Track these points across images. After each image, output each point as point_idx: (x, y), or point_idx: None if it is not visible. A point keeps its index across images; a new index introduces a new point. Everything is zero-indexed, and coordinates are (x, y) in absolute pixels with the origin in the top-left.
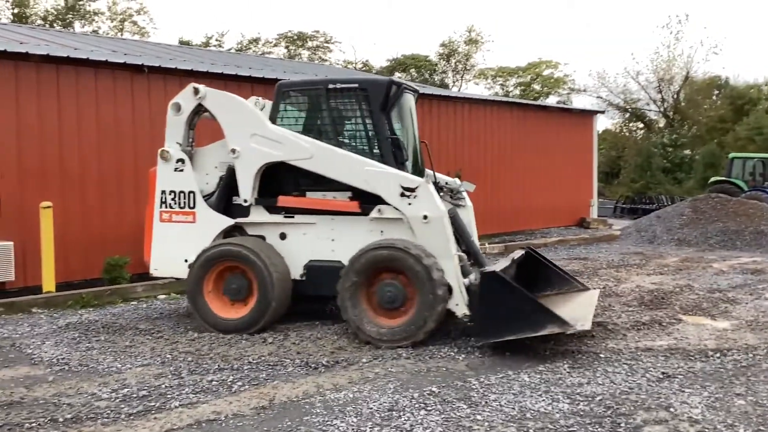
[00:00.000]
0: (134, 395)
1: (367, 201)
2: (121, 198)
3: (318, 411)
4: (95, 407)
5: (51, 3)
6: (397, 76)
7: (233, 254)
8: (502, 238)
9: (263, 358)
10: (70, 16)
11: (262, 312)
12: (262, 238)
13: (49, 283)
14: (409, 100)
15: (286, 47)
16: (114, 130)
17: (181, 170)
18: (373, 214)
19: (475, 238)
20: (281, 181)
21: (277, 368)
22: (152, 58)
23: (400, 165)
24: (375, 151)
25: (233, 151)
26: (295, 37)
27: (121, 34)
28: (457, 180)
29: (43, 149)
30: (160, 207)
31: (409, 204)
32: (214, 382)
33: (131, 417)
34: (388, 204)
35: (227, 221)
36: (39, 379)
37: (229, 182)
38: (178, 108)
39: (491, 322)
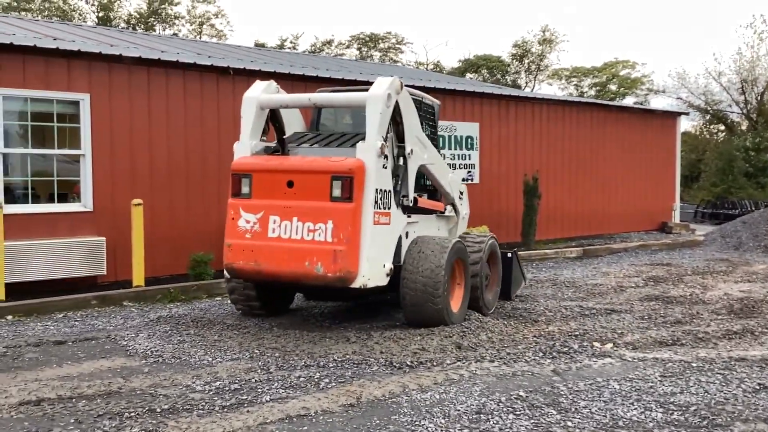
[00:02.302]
0: (226, 388)
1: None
2: (206, 196)
3: (405, 411)
4: (190, 399)
5: (134, 6)
6: (469, 77)
7: (461, 251)
8: (579, 242)
9: (348, 356)
10: (152, 19)
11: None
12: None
13: (139, 278)
14: None
15: (358, 49)
16: (200, 130)
17: (386, 167)
18: (447, 212)
19: None
20: None
21: (362, 367)
22: (235, 60)
23: None
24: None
25: (411, 151)
26: (367, 39)
27: (200, 37)
28: None
29: (133, 148)
30: (374, 208)
31: (461, 204)
32: (301, 379)
33: (225, 409)
34: (453, 204)
35: (404, 220)
36: (135, 370)
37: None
38: (389, 99)
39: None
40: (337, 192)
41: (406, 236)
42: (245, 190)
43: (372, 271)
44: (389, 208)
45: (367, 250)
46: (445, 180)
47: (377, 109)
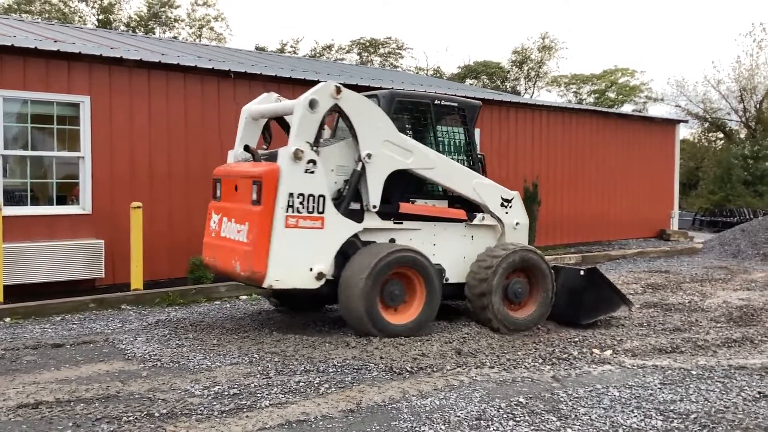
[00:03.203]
0: (225, 393)
1: (466, 209)
2: (206, 200)
3: (405, 416)
4: (189, 403)
5: (134, 9)
6: (469, 83)
7: (408, 260)
8: (578, 248)
9: (347, 361)
10: (152, 22)
11: (430, 314)
12: (373, 243)
13: (137, 281)
14: None
15: (359, 54)
16: (200, 133)
17: (312, 172)
18: (476, 221)
19: None
20: (389, 189)
21: (362, 372)
22: (235, 64)
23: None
24: (465, 164)
25: (369, 156)
26: (368, 44)
27: (200, 40)
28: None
29: (133, 151)
30: (287, 212)
31: (506, 213)
32: (301, 383)
33: (224, 414)
34: (490, 212)
35: (356, 226)
36: (133, 374)
37: (355, 187)
38: (314, 105)
39: (590, 307)
40: (254, 196)
41: (391, 242)
42: (217, 193)
43: (286, 272)
44: (321, 213)
45: (278, 251)
46: (463, 186)
47: (297, 114)
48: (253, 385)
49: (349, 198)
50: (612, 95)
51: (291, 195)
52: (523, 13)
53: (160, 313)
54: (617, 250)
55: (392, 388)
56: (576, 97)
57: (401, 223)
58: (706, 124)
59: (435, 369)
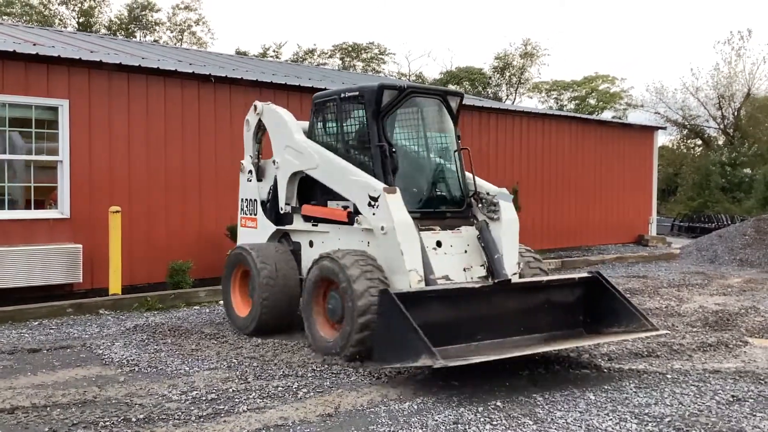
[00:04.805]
0: (203, 398)
1: (358, 211)
2: (185, 204)
3: (383, 421)
4: (166, 408)
5: (115, 13)
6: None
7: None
8: (558, 254)
9: (326, 366)
10: (133, 26)
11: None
12: (299, 245)
13: (115, 286)
14: (427, 104)
15: (341, 58)
16: (180, 137)
17: (250, 180)
18: (356, 223)
19: (508, 252)
20: (311, 191)
21: (340, 376)
22: (216, 68)
23: (389, 174)
24: (364, 158)
25: (275, 162)
26: (350, 49)
27: (180, 44)
28: (504, 190)
29: (112, 155)
30: (241, 213)
31: (374, 213)
32: (279, 388)
33: (201, 419)
34: (360, 213)
35: (272, 227)
36: (110, 379)
37: (276, 191)
38: (247, 124)
39: (383, 346)
40: None
41: (310, 245)
42: None
43: None
44: (255, 215)
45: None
46: (339, 184)
47: (244, 133)
48: (231, 390)
49: (272, 201)
50: (592, 102)
51: (242, 200)
52: (505, 19)
53: (139, 318)
54: (596, 256)
55: (371, 393)
56: (557, 103)
57: (317, 225)
58: (685, 131)
59: (414, 373)
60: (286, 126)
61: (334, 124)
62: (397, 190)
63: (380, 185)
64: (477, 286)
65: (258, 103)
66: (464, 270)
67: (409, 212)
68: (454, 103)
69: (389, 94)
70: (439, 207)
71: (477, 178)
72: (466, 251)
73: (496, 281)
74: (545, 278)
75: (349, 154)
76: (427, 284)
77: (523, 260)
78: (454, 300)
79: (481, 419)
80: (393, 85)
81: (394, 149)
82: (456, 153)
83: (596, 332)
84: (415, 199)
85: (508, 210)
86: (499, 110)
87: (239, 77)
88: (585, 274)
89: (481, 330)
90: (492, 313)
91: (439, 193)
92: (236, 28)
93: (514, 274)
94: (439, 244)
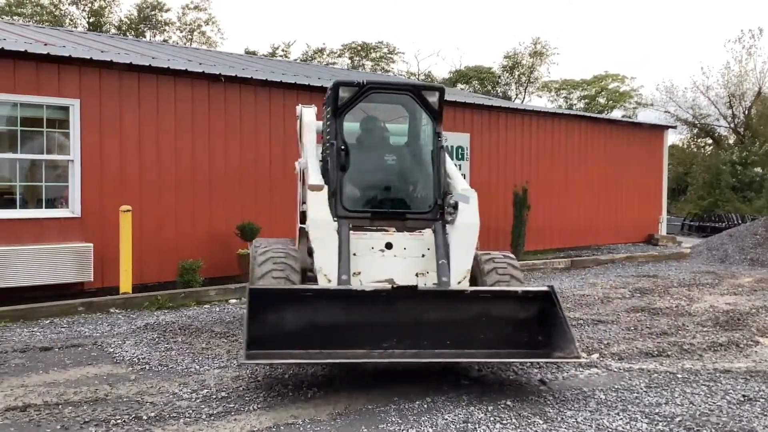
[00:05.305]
0: (214, 396)
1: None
2: (196, 203)
3: (393, 419)
4: (177, 407)
5: (125, 13)
6: (460, 88)
7: None
8: (567, 253)
9: (336, 365)
10: (143, 25)
11: None
12: None
13: (126, 285)
14: (392, 101)
15: (350, 58)
16: (190, 137)
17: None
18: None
19: (456, 258)
20: None
21: (350, 375)
22: (226, 68)
23: (339, 172)
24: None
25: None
26: (359, 48)
27: (190, 44)
28: (468, 191)
29: (123, 154)
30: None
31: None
32: (289, 386)
33: (212, 417)
34: None
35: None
36: (121, 377)
37: None
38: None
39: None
40: None
41: None
42: None
43: None
44: None
45: None
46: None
47: None
48: (241, 388)
49: None
50: (602, 101)
51: None
52: (514, 18)
53: (149, 316)
54: (606, 255)
55: (380, 391)
56: (566, 102)
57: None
58: (695, 130)
59: (423, 372)
60: (302, 125)
61: (322, 123)
62: (325, 188)
63: (313, 183)
64: (369, 289)
65: (297, 106)
66: (417, 275)
67: (359, 212)
68: (432, 99)
69: (346, 91)
70: (397, 208)
71: (458, 179)
72: (423, 255)
73: (395, 286)
74: (471, 288)
75: (324, 152)
76: (338, 284)
77: (491, 266)
78: (345, 302)
79: (492, 418)
80: (350, 81)
81: (343, 147)
82: (433, 151)
83: (546, 355)
84: (366, 198)
85: (465, 213)
86: (509, 109)
87: (249, 77)
88: (534, 288)
89: (390, 338)
90: (402, 320)
91: (397, 193)
92: (245, 28)
93: (459, 282)
94: (389, 246)
